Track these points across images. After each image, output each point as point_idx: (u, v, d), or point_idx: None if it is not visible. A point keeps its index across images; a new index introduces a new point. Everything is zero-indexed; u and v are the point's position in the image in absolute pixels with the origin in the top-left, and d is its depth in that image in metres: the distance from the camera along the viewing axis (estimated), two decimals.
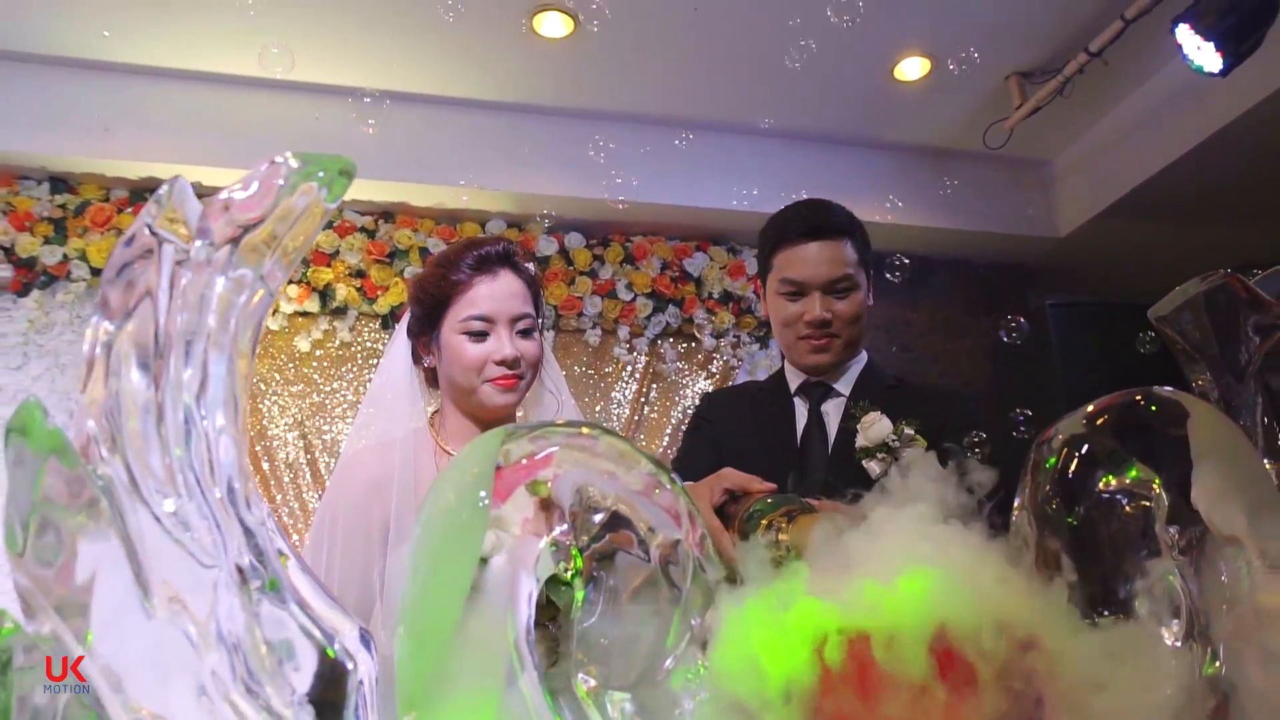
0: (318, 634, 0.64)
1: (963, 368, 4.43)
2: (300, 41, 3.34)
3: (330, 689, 0.64)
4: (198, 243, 0.64)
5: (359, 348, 3.83)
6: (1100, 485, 0.79)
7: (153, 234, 0.63)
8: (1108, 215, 4.16)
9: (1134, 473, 0.81)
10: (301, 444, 3.65)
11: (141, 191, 3.60)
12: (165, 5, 3.08)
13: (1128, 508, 0.80)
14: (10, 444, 0.59)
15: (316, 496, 3.56)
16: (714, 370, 4.15)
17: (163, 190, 0.64)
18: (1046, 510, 0.80)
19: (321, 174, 0.66)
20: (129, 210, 3.56)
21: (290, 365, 3.74)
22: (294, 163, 0.65)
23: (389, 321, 3.81)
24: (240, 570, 0.62)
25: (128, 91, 3.44)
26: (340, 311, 3.80)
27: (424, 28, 3.30)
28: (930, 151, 4.29)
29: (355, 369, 3.81)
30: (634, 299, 4.06)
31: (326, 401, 3.74)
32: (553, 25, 3.32)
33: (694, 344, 4.17)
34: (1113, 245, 4.29)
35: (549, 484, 0.69)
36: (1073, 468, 0.79)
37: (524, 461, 0.73)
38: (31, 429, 0.59)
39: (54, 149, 3.41)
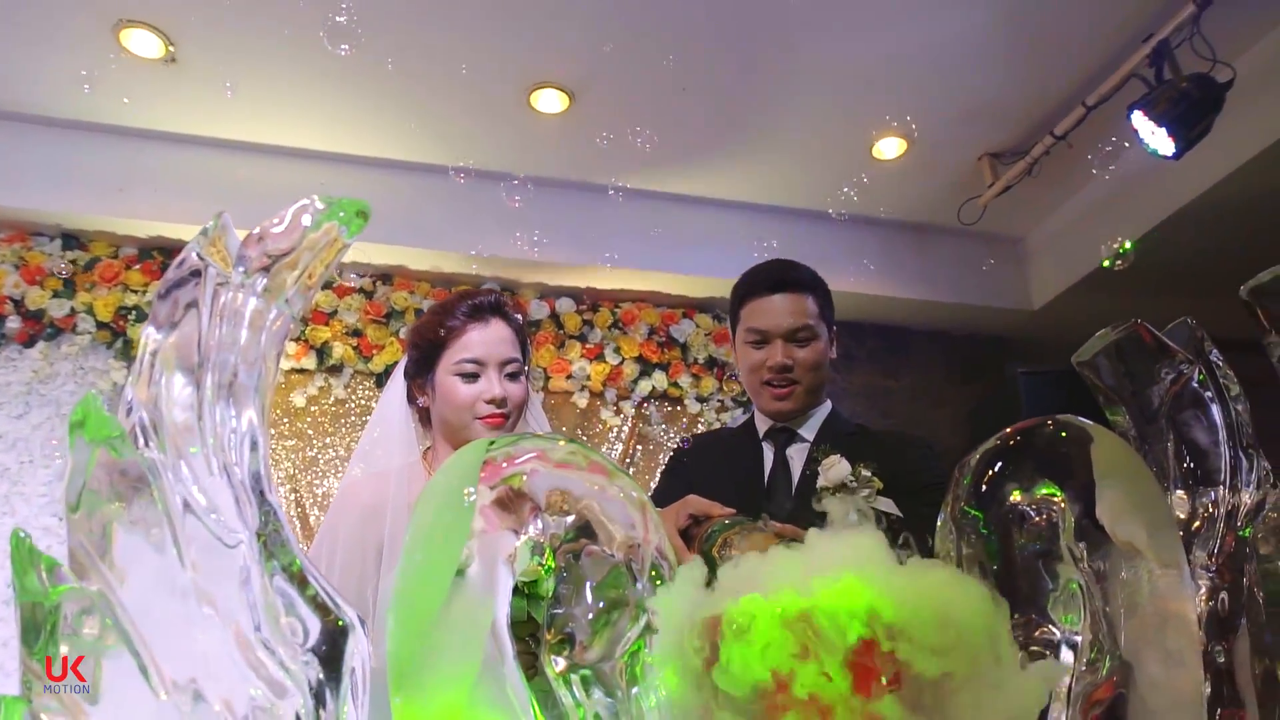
0: (327, 604, 0.74)
1: (943, 435, 4.54)
2: (308, 111, 3.54)
3: (333, 654, 0.74)
4: (236, 269, 0.76)
5: (353, 404, 3.92)
6: (1011, 498, 0.90)
7: (200, 259, 0.75)
8: (1078, 289, 4.33)
9: (1042, 489, 0.91)
10: (293, 497, 3.72)
11: (150, 249, 3.73)
12: (183, 74, 3.26)
13: (1036, 519, 0.90)
14: (73, 433, 0.70)
15: (304, 549, 3.61)
16: (699, 433, 4.25)
17: (210, 224, 0.76)
18: (964, 520, 0.90)
19: (342, 214, 0.79)
20: (137, 267, 3.68)
21: (285, 420, 3.82)
22: (320, 204, 0.78)
23: (383, 380, 3.88)
24: (264, 544, 0.72)
25: (143, 154, 3.60)
26: (336, 369, 3.90)
27: (425, 101, 3.50)
28: (908, 226, 4.48)
29: (349, 426, 3.88)
30: (621, 363, 4.18)
31: (319, 456, 3.82)
32: (549, 101, 3.52)
33: (679, 407, 4.29)
34: (1083, 317, 4.44)
35: (524, 478, 0.80)
36: (986, 481, 0.90)
37: (504, 465, 0.84)
38: (89, 419, 0.70)
39: (68, 207, 3.55)
